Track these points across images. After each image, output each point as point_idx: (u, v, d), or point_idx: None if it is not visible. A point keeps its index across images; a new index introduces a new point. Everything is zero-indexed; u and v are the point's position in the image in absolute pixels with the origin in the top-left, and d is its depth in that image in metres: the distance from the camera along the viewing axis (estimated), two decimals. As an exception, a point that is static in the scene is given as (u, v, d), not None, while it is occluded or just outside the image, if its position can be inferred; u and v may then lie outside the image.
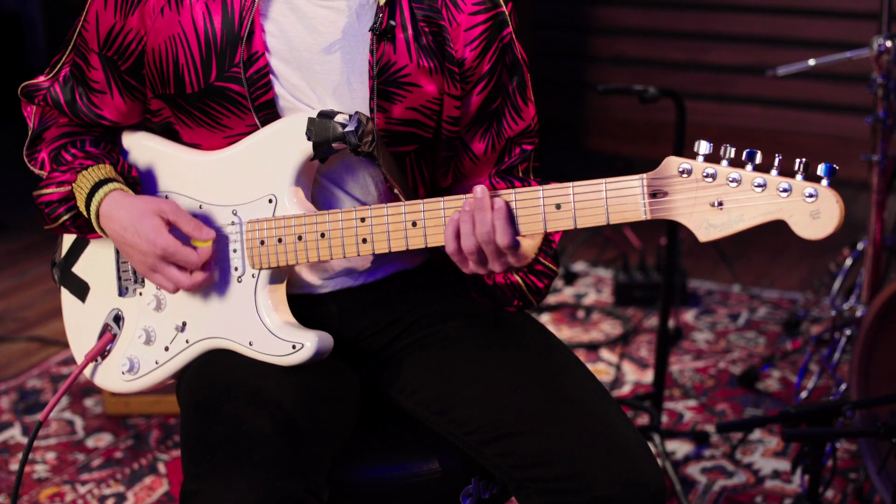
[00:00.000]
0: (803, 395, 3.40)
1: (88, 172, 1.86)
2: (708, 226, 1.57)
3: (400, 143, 1.86)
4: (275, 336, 1.80)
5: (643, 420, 3.27)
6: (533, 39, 5.80)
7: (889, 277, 3.36)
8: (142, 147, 1.94)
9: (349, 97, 1.82)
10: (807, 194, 1.51)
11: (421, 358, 1.91)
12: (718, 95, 5.65)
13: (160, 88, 1.86)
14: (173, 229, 1.81)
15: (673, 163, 1.58)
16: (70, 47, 1.93)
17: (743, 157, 1.55)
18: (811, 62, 3.34)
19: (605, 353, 3.83)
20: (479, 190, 1.65)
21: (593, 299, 4.31)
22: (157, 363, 1.91)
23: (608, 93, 3.03)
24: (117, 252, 1.95)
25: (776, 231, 1.67)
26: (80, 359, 2.00)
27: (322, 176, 1.87)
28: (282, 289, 1.85)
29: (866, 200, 3.13)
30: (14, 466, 3.11)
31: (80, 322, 2.02)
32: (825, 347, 3.50)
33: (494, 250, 1.66)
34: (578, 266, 4.60)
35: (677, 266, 4.02)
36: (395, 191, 1.83)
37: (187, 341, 1.88)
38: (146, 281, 1.91)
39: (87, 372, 2.00)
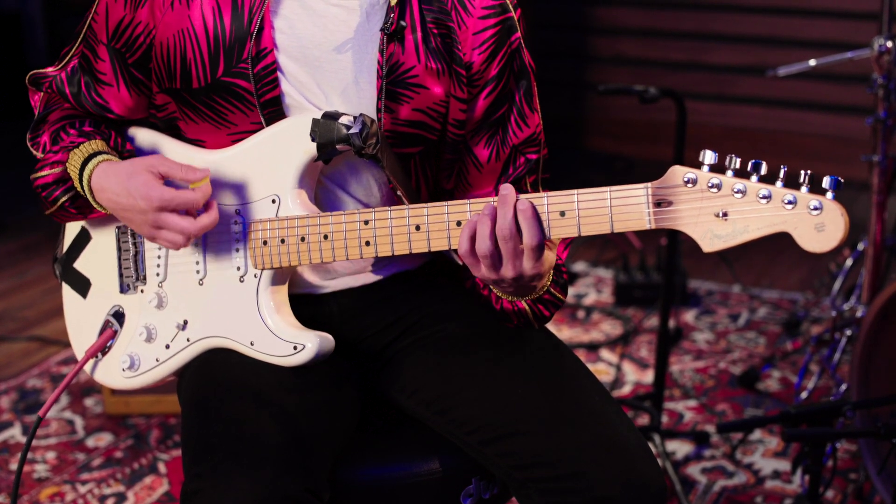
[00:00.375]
0: (803, 395, 3.40)
1: (78, 150, 1.84)
2: (712, 236, 1.57)
3: (405, 145, 1.86)
4: (276, 336, 1.80)
5: (643, 420, 3.27)
6: (533, 39, 5.80)
7: (889, 278, 3.37)
8: (146, 143, 1.94)
9: (356, 96, 1.82)
10: (812, 207, 1.51)
11: (421, 358, 1.91)
12: (719, 96, 5.65)
13: (166, 82, 1.86)
14: (168, 183, 1.79)
15: (678, 172, 1.58)
16: (80, 39, 1.93)
17: (748, 168, 1.55)
18: (812, 62, 3.34)
19: (605, 354, 3.83)
20: (506, 187, 1.65)
21: (593, 299, 4.31)
22: (157, 361, 1.91)
23: (608, 93, 3.03)
24: (119, 248, 1.95)
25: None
26: (80, 355, 2.00)
27: (325, 177, 1.87)
28: (284, 289, 1.85)
29: (867, 201, 3.13)
30: (14, 466, 3.11)
31: (80, 318, 2.02)
32: (825, 348, 3.50)
33: (513, 248, 1.65)
34: (578, 266, 4.60)
35: (677, 266, 4.02)
36: (399, 193, 1.83)
37: (188, 340, 1.88)
38: (148, 278, 1.91)
39: (87, 368, 2.00)
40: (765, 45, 5.47)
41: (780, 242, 1.67)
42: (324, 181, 1.87)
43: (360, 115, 1.74)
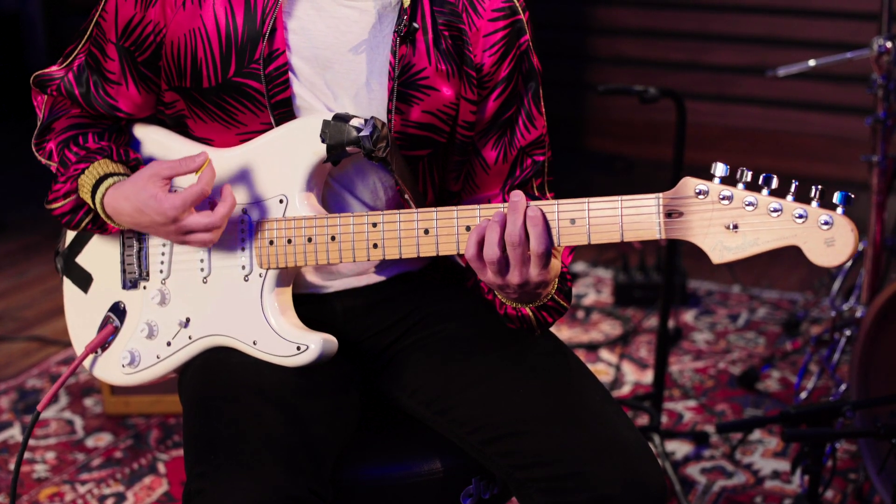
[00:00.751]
0: (803, 395, 3.40)
1: (85, 178, 1.84)
2: (722, 248, 1.59)
3: (415, 147, 1.86)
4: (279, 337, 1.80)
5: (643, 420, 3.27)
6: (533, 39, 5.79)
7: (889, 278, 3.37)
8: (153, 142, 1.94)
9: (368, 98, 1.82)
10: (822, 222, 1.53)
11: (423, 358, 1.91)
12: (719, 96, 5.65)
13: (176, 81, 1.86)
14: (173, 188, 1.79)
15: (690, 183, 1.60)
16: (86, 37, 1.92)
17: (759, 181, 1.57)
18: (811, 63, 3.34)
19: (604, 354, 3.83)
20: (517, 194, 1.66)
21: (593, 299, 4.31)
22: (158, 358, 1.91)
23: (608, 93, 3.03)
24: (123, 244, 1.94)
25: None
26: (80, 350, 2.00)
27: (332, 179, 1.87)
28: (288, 290, 1.85)
29: (866, 201, 3.13)
30: (14, 466, 3.11)
31: (81, 313, 2.02)
32: (825, 348, 3.51)
33: (521, 255, 1.65)
34: (578, 266, 4.60)
35: (677, 266, 4.02)
36: (406, 196, 1.83)
37: (190, 337, 1.88)
38: (151, 275, 1.91)
39: (86, 363, 1.99)
40: (765, 45, 5.46)
41: (780, 242, 1.67)
42: (331, 183, 1.87)
43: (371, 117, 1.75)
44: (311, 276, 1.92)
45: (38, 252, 4.74)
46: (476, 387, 1.83)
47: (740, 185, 1.58)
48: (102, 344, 1.96)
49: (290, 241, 1.80)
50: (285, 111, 1.82)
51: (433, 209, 1.72)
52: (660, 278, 3.80)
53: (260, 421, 1.72)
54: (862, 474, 2.92)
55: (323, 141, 1.77)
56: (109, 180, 1.83)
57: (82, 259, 2.01)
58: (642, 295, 4.19)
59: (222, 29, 1.80)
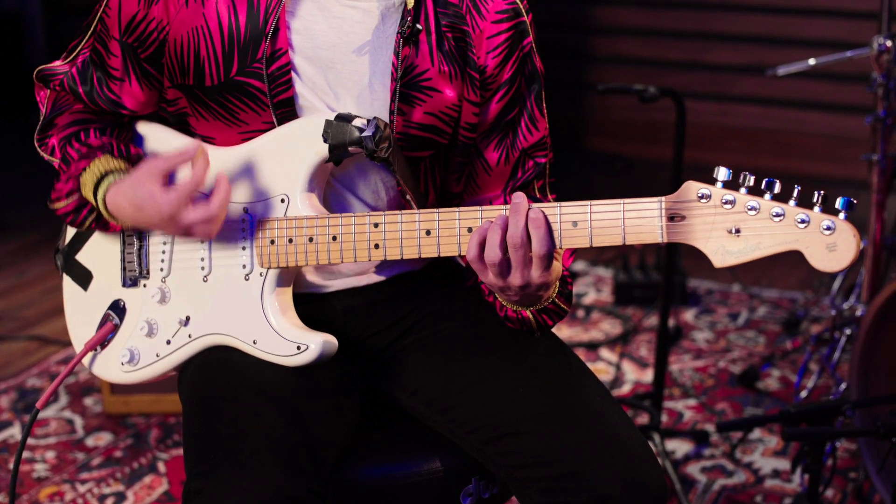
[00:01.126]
0: (803, 394, 3.40)
1: (86, 177, 1.83)
2: (724, 252, 1.59)
3: (416, 149, 1.86)
4: (280, 336, 1.80)
5: (643, 419, 3.27)
6: (536, 41, 5.79)
7: (889, 277, 3.37)
8: (155, 139, 1.93)
9: (370, 98, 1.82)
10: (824, 227, 1.54)
11: (423, 357, 1.91)
12: (718, 95, 5.65)
13: (179, 78, 1.86)
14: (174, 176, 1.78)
15: (692, 187, 1.60)
16: (89, 32, 1.92)
17: (762, 186, 1.57)
18: (811, 62, 3.34)
19: (604, 353, 3.83)
20: (519, 195, 1.66)
21: (593, 298, 4.31)
22: (157, 356, 1.91)
23: (608, 92, 3.03)
24: (123, 242, 1.94)
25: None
26: (79, 348, 1.99)
27: (334, 179, 1.87)
28: (289, 289, 1.85)
29: (866, 200, 3.13)
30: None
31: (81, 311, 2.01)
32: (825, 347, 3.51)
33: (523, 256, 1.65)
34: (578, 265, 4.60)
35: (677, 265, 4.02)
36: (408, 197, 1.83)
37: (190, 336, 1.88)
38: (151, 273, 1.91)
39: (85, 361, 1.99)
40: (764, 44, 5.46)
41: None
42: (332, 183, 1.87)
43: (374, 118, 1.74)
44: (312, 276, 1.92)
45: (38, 252, 4.74)
46: (476, 386, 1.83)
47: (743, 190, 1.59)
48: (102, 342, 1.96)
49: (291, 241, 1.80)
50: (287, 111, 1.82)
51: (435, 210, 1.72)
52: (660, 277, 3.80)
53: (260, 420, 1.72)
54: (862, 473, 2.92)
55: (325, 141, 1.77)
56: (110, 178, 1.82)
57: (82, 256, 2.01)
58: (642, 294, 4.19)
59: (225, 27, 1.80)
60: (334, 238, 1.77)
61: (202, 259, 1.87)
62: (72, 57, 1.95)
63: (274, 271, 1.82)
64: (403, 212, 1.74)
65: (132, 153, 1.88)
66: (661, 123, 5.22)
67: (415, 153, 1.86)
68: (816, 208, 1.55)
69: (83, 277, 2.01)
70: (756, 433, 3.26)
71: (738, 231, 1.58)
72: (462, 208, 1.71)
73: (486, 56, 1.85)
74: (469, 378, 1.85)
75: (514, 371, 1.83)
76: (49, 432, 3.30)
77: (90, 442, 3.25)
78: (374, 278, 1.95)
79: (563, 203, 1.66)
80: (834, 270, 1.55)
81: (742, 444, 3.20)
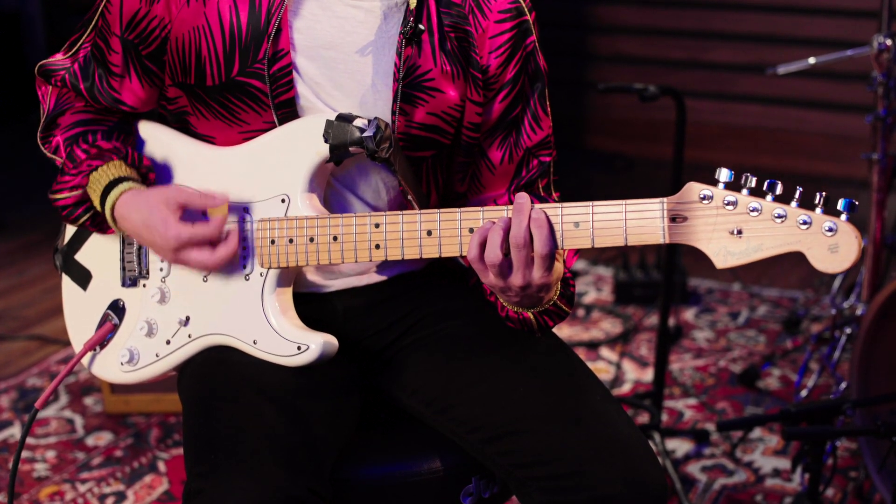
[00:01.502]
0: (803, 393, 3.40)
1: (98, 174, 1.84)
2: (726, 253, 1.59)
3: (419, 149, 1.86)
4: (280, 336, 1.80)
5: (643, 418, 3.27)
6: (539, 40, 5.79)
7: (889, 276, 3.37)
8: (156, 139, 1.93)
9: (372, 98, 1.82)
10: (826, 228, 1.54)
11: (423, 357, 1.91)
12: (718, 94, 5.65)
13: (180, 77, 1.85)
14: (189, 212, 1.79)
15: (694, 188, 1.60)
16: (91, 27, 1.92)
17: (764, 187, 1.58)
18: (811, 60, 3.34)
19: (605, 352, 3.83)
20: (522, 195, 1.66)
21: (593, 298, 4.31)
22: (157, 356, 1.90)
23: (608, 91, 3.03)
24: (122, 241, 1.94)
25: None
26: (78, 348, 1.99)
27: (334, 179, 1.87)
28: (289, 289, 1.85)
29: (866, 199, 3.13)
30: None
31: (80, 311, 2.01)
32: (825, 346, 3.51)
33: (525, 257, 1.65)
34: (578, 264, 4.60)
35: (677, 264, 4.02)
36: (409, 197, 1.83)
37: (190, 336, 1.88)
38: (151, 273, 1.91)
39: (84, 361, 1.99)
40: (764, 43, 5.47)
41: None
42: (333, 183, 1.87)
43: (375, 118, 1.74)
44: (312, 276, 1.92)
45: (38, 251, 4.74)
46: (476, 386, 1.83)
47: (744, 191, 1.59)
48: (101, 342, 1.96)
49: (291, 241, 1.80)
50: (289, 111, 1.82)
51: (436, 210, 1.72)
52: (660, 276, 3.80)
53: (260, 420, 1.72)
54: (862, 472, 2.92)
55: (326, 141, 1.76)
56: (125, 185, 1.83)
57: (81, 256, 2.01)
58: (643, 293, 4.19)
59: (226, 27, 1.80)
60: (335, 238, 1.77)
61: (202, 259, 1.87)
62: (73, 51, 1.95)
63: (274, 271, 1.82)
64: (405, 212, 1.73)
65: (144, 164, 1.89)
66: (661, 122, 5.22)
67: (417, 153, 1.86)
68: (818, 209, 1.55)
69: (82, 277, 2.01)
70: (756, 432, 3.26)
71: (739, 232, 1.58)
72: (464, 209, 1.71)
73: (489, 56, 1.85)
74: (469, 377, 1.84)
75: (515, 370, 1.83)
76: (49, 432, 3.30)
77: (90, 441, 3.25)
78: (375, 278, 1.95)
79: (565, 203, 1.66)
80: (836, 272, 1.55)
81: (742, 444, 3.19)
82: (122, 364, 1.93)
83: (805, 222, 1.55)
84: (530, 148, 1.91)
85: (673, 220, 1.61)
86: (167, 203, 1.78)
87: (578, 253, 1.91)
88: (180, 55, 1.83)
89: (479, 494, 1.90)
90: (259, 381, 1.79)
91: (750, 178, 1.59)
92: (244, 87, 1.81)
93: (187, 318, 1.88)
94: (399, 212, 1.74)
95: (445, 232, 1.71)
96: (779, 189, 1.57)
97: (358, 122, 1.75)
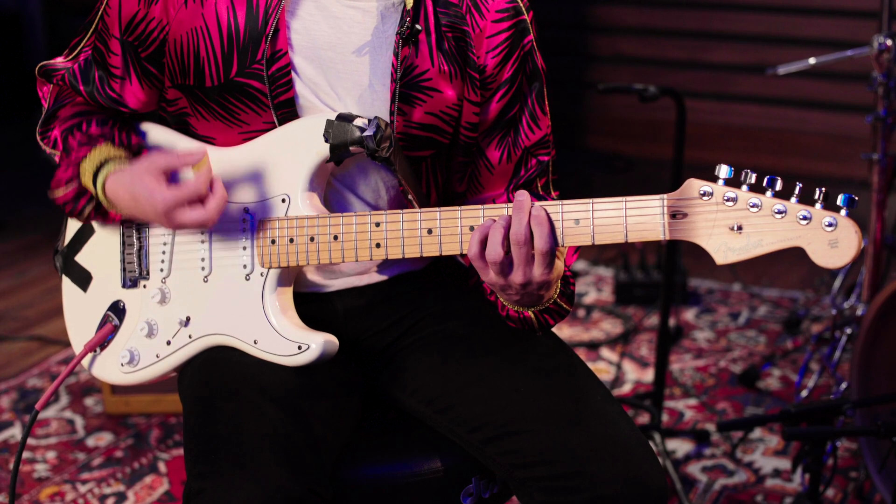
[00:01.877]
0: (804, 393, 3.40)
1: (85, 165, 1.83)
2: (727, 249, 1.60)
3: (418, 148, 1.86)
4: (281, 336, 1.80)
5: (644, 419, 3.27)
6: (538, 39, 5.79)
7: (889, 276, 3.37)
8: (156, 139, 1.93)
9: (370, 98, 1.82)
10: (826, 223, 1.54)
11: (423, 357, 1.91)
12: (718, 94, 5.65)
13: (179, 79, 1.85)
14: (176, 174, 1.78)
15: (694, 185, 1.60)
16: (91, 30, 1.92)
17: (764, 183, 1.58)
18: (811, 61, 3.34)
19: (605, 352, 3.83)
20: (522, 193, 1.66)
21: (594, 298, 4.31)
22: (157, 357, 1.90)
23: (608, 91, 3.03)
24: (123, 243, 1.94)
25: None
26: (78, 349, 1.99)
27: (334, 178, 1.87)
28: (289, 289, 1.85)
29: (867, 199, 3.13)
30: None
31: (80, 312, 2.01)
32: (826, 346, 3.51)
33: (526, 254, 1.65)
34: (579, 265, 4.60)
35: (678, 265, 4.02)
36: (409, 197, 1.83)
37: (190, 336, 1.88)
38: (152, 273, 1.91)
39: (84, 362, 1.99)
40: (764, 43, 5.47)
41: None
42: (333, 182, 1.87)
43: (375, 117, 1.74)
44: (313, 276, 1.92)
45: (39, 252, 4.74)
46: (476, 386, 1.83)
47: (744, 187, 1.59)
48: (101, 343, 1.96)
49: (292, 241, 1.80)
50: (288, 111, 1.82)
51: (436, 209, 1.72)
52: (660, 277, 3.80)
53: (260, 420, 1.72)
54: (862, 473, 2.92)
55: (326, 141, 1.76)
56: (110, 165, 1.82)
57: (81, 257, 2.01)
58: (643, 293, 4.19)
59: (224, 28, 1.80)
60: (335, 237, 1.77)
61: (202, 259, 1.87)
62: (74, 54, 1.95)
63: (275, 271, 1.82)
64: (405, 211, 1.74)
65: (133, 142, 1.88)
66: (661, 122, 5.22)
67: (416, 153, 1.86)
68: (818, 205, 1.56)
69: (82, 278, 2.01)
70: (757, 433, 3.25)
71: (740, 228, 1.58)
72: (464, 207, 1.71)
73: (486, 55, 1.85)
74: (469, 377, 1.84)
75: (515, 370, 1.83)
76: (50, 432, 3.30)
77: (91, 442, 3.25)
78: (376, 278, 1.95)
79: (566, 201, 1.66)
80: (836, 266, 1.55)
81: (743, 444, 3.19)
82: (122, 365, 1.93)
83: (805, 217, 1.55)
84: (528, 147, 1.91)
85: (673, 216, 1.62)
86: (149, 171, 1.76)
87: (579, 251, 1.91)
88: (179, 57, 1.83)
89: (480, 494, 1.90)
90: (260, 381, 1.79)
91: (750, 174, 1.59)
92: (243, 88, 1.81)
93: (188, 319, 1.88)
94: (399, 210, 1.74)
95: (446, 230, 1.71)
96: (778, 185, 1.57)
97: (358, 122, 1.75)
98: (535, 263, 1.66)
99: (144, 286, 1.92)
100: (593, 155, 6.00)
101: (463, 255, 1.74)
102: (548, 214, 1.65)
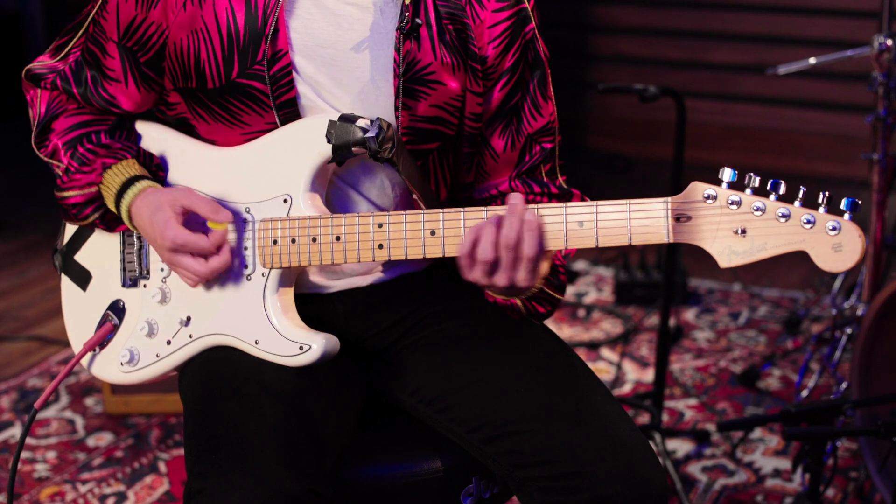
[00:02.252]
0: (804, 393, 3.40)
1: (114, 172, 1.85)
2: (730, 252, 1.60)
3: (424, 141, 1.86)
4: (282, 336, 1.80)
5: (644, 419, 3.27)
6: (540, 26, 5.79)
7: (889, 276, 3.37)
8: (155, 139, 1.93)
9: (374, 95, 1.82)
10: (830, 227, 1.55)
11: (424, 357, 1.91)
12: (719, 94, 5.65)
13: (181, 82, 1.85)
14: (195, 216, 1.80)
15: (698, 188, 1.61)
16: (81, 32, 1.92)
17: (767, 187, 1.58)
18: (811, 61, 3.34)
19: (605, 352, 3.83)
20: (516, 196, 1.66)
21: (594, 298, 4.31)
22: (157, 356, 1.90)
23: (608, 91, 3.03)
24: (123, 242, 1.94)
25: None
26: (78, 348, 1.99)
27: (338, 177, 1.87)
28: (291, 290, 1.85)
29: (867, 199, 3.13)
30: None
31: (79, 311, 2.01)
32: (826, 346, 3.51)
33: (512, 258, 1.65)
34: (579, 265, 4.60)
35: (678, 265, 4.02)
36: (415, 196, 1.83)
37: (191, 336, 1.88)
38: (152, 273, 1.91)
39: (84, 362, 1.99)
40: (764, 43, 5.46)
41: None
42: (336, 181, 1.87)
43: (377, 118, 1.74)
44: (314, 276, 1.92)
45: (39, 252, 4.74)
46: (477, 386, 1.83)
47: (748, 190, 1.59)
48: (101, 342, 1.96)
49: (294, 241, 1.79)
50: (290, 111, 1.82)
51: (440, 210, 1.72)
52: (660, 277, 3.80)
53: (261, 420, 1.72)
54: (863, 473, 2.92)
55: (328, 141, 1.76)
56: (143, 183, 1.84)
57: (81, 257, 2.01)
58: (643, 293, 4.19)
59: (223, 30, 1.80)
60: (338, 238, 1.77)
61: (203, 259, 1.87)
62: (62, 55, 1.95)
63: (276, 271, 1.82)
64: (408, 212, 1.73)
65: (153, 163, 1.90)
66: (661, 123, 5.22)
67: (422, 146, 1.86)
68: (821, 209, 1.56)
69: (82, 278, 2.01)
70: (757, 433, 3.26)
71: (744, 232, 1.59)
72: (467, 208, 1.71)
73: (487, 45, 1.84)
74: (470, 377, 1.84)
75: (515, 370, 1.83)
76: (50, 432, 3.30)
77: (91, 442, 3.25)
78: (377, 278, 1.95)
79: (569, 203, 1.66)
80: (839, 271, 1.56)
81: (743, 444, 3.19)
82: (122, 364, 1.93)
83: (809, 221, 1.55)
84: (532, 134, 1.91)
85: (677, 219, 1.62)
86: (172, 204, 1.78)
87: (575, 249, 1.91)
88: (179, 60, 1.83)
89: (480, 494, 1.90)
90: (260, 381, 1.79)
91: (753, 177, 1.59)
92: (245, 89, 1.81)
93: (188, 319, 1.88)
94: (402, 212, 1.74)
95: (449, 232, 1.71)
96: (782, 189, 1.58)
97: (360, 123, 1.75)
98: (520, 267, 1.66)
99: (145, 285, 1.92)
100: (593, 155, 5.99)
101: None
102: (538, 220, 1.64)
